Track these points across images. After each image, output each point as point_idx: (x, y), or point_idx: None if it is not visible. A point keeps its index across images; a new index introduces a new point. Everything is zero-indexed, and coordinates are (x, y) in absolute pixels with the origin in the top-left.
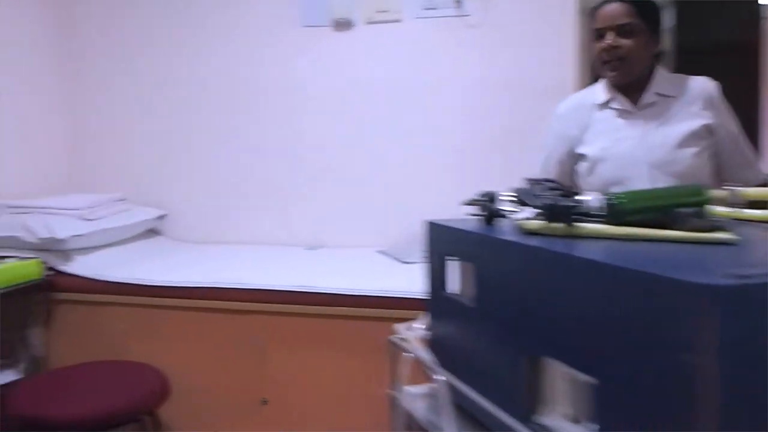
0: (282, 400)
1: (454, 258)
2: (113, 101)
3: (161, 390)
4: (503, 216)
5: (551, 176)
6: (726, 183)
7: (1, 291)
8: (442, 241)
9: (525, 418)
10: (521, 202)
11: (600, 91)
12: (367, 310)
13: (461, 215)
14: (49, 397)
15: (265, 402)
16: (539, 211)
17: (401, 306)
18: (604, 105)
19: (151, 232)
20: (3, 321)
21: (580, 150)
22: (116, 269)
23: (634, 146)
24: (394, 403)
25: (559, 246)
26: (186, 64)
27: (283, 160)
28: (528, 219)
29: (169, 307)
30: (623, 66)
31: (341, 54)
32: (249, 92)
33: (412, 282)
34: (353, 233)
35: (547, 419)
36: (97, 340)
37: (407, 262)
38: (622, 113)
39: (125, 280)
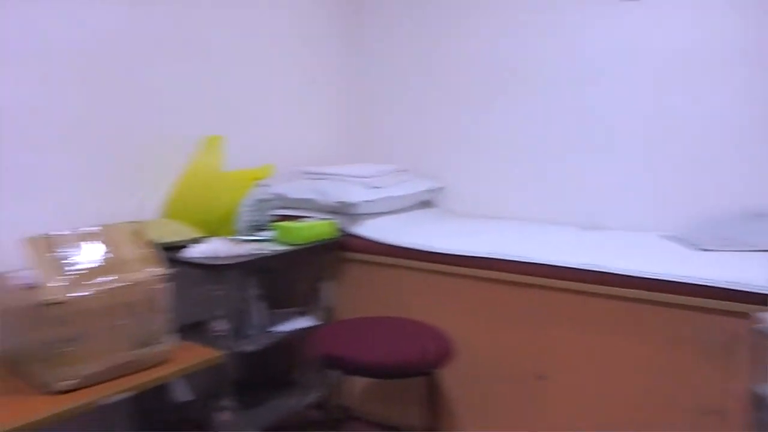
0: (560, 378)
1: None
2: (394, 78)
3: (446, 349)
4: None
5: None
6: None
7: (303, 246)
8: None
9: None
10: None
11: None
12: (666, 296)
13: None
14: (347, 342)
15: (542, 378)
16: None
17: (708, 295)
18: None
19: (426, 203)
20: (302, 273)
21: None
22: (399, 234)
23: None
24: (760, 402)
25: None
26: (464, 39)
27: (561, 137)
28: None
29: (448, 273)
30: None
31: (628, 25)
32: (530, 67)
33: (718, 270)
34: (632, 216)
35: None
36: (379, 297)
37: (704, 250)
38: None
39: (409, 245)
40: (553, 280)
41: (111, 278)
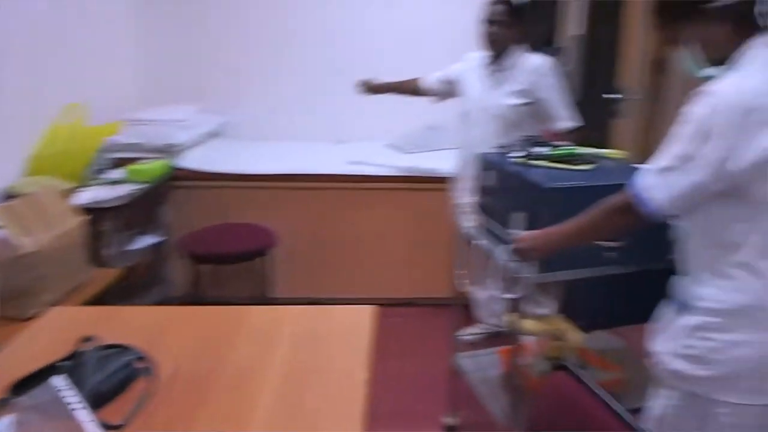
0: (349, 244)
1: None
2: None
3: (272, 239)
4: None
5: None
6: None
7: (147, 184)
8: None
9: None
10: None
11: None
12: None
13: None
14: (206, 243)
15: (338, 245)
16: None
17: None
18: None
19: (217, 133)
20: (144, 204)
21: None
22: (216, 162)
23: None
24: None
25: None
26: None
27: (313, 66)
28: None
29: (258, 188)
30: None
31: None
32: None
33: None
34: (368, 129)
35: None
36: (209, 213)
37: (410, 152)
38: None
39: (227, 170)
40: (330, 183)
41: (52, 229)
